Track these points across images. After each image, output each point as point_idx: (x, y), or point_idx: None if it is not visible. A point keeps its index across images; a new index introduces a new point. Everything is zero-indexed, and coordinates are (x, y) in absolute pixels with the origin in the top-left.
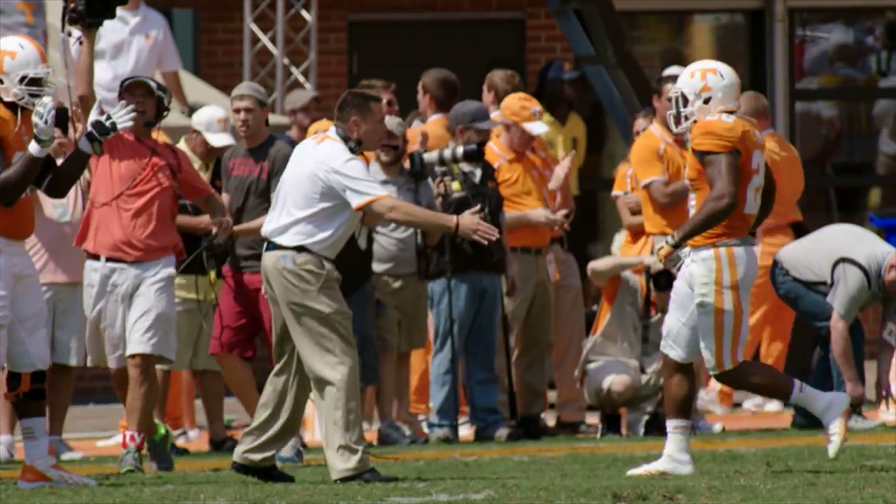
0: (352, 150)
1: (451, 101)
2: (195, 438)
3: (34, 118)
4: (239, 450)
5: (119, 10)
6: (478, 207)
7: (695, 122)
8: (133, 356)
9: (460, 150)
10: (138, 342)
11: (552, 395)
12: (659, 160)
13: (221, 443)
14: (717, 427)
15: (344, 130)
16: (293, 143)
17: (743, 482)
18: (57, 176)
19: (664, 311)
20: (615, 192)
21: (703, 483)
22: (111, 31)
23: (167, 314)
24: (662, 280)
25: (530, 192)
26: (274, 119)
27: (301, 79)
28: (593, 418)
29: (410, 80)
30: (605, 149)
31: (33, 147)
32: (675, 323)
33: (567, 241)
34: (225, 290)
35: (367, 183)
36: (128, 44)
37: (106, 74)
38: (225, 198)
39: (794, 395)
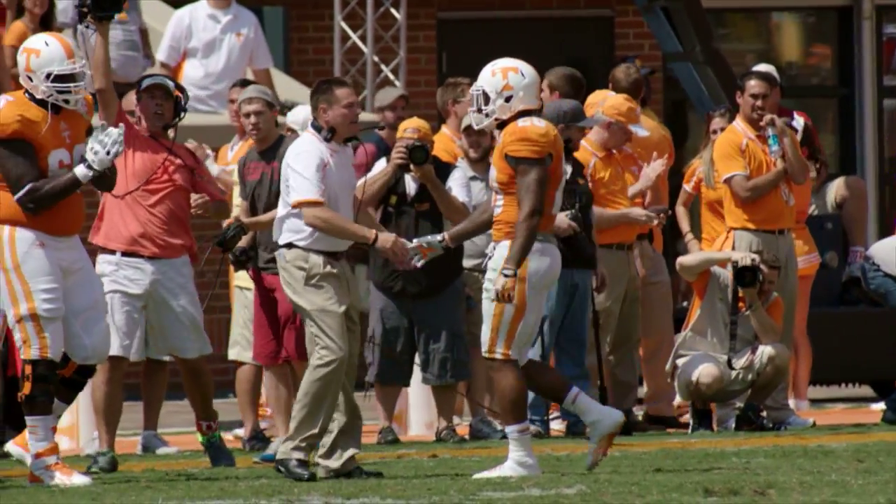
0: (327, 139)
1: (578, 97)
2: None
3: (95, 144)
4: (320, 465)
5: (210, 9)
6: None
7: (496, 119)
8: (185, 360)
9: None
10: (187, 348)
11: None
12: (741, 155)
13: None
14: (809, 422)
15: (316, 119)
16: (381, 141)
17: (834, 477)
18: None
19: (751, 307)
20: (685, 186)
21: (794, 478)
22: (202, 29)
23: (196, 314)
24: (747, 276)
25: (624, 189)
26: (363, 117)
27: (391, 77)
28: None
29: None
30: (688, 145)
31: (80, 170)
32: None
33: (662, 237)
34: (256, 298)
35: (304, 181)
36: (219, 42)
37: (197, 72)
38: (243, 204)
39: (511, 428)
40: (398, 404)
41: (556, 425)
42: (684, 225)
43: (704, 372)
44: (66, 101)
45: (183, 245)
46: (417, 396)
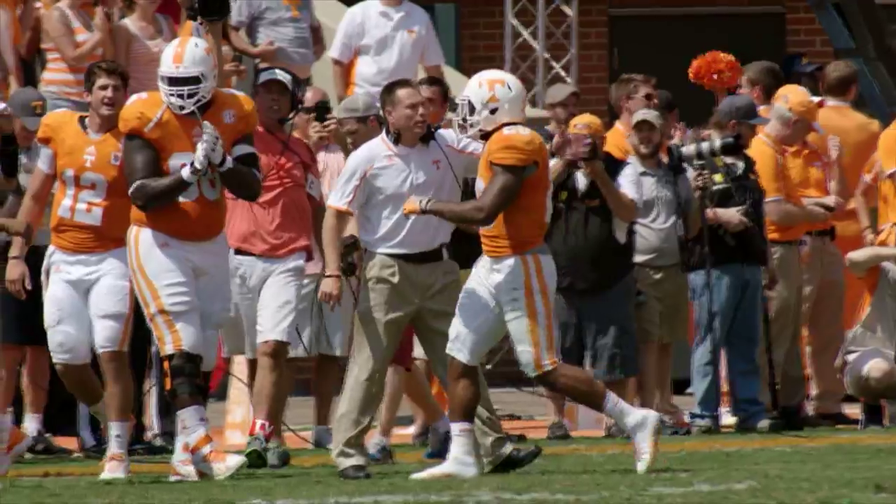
0: (394, 142)
1: (777, 88)
2: None
3: (200, 143)
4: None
5: (382, 6)
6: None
7: (480, 130)
8: (266, 342)
9: (718, 142)
10: (271, 329)
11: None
12: None
13: None
14: None
15: (387, 122)
16: (551, 137)
17: None
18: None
19: None
20: (864, 176)
21: None
22: (375, 26)
23: (296, 304)
24: None
25: (808, 183)
26: (534, 113)
27: (562, 73)
28: (849, 409)
29: (671, 74)
30: None
31: (185, 172)
32: (464, 327)
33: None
34: None
35: (338, 184)
36: (391, 39)
37: (370, 69)
38: None
39: (606, 407)
40: (567, 399)
41: (727, 420)
42: (863, 219)
43: (874, 367)
44: (171, 104)
45: (297, 243)
46: None
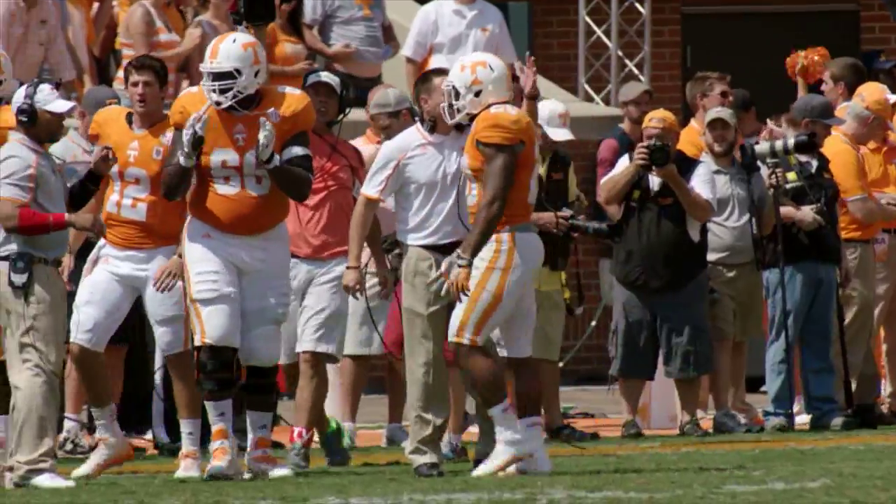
0: (431, 130)
1: (859, 85)
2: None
3: (189, 121)
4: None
5: (456, 4)
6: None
7: (467, 114)
8: (304, 353)
9: (792, 140)
10: (310, 340)
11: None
12: None
13: (558, 430)
14: None
15: (421, 111)
16: (624, 135)
17: None
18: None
19: None
20: None
21: None
22: (448, 24)
23: (340, 312)
24: None
25: (887, 181)
26: (607, 111)
27: (635, 71)
28: None
29: (743, 72)
30: None
31: (181, 157)
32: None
33: None
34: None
35: (370, 173)
36: (465, 37)
37: None
38: None
39: (495, 409)
40: (641, 398)
41: (801, 419)
42: None
43: None
44: (210, 98)
45: (342, 247)
46: (661, 390)
